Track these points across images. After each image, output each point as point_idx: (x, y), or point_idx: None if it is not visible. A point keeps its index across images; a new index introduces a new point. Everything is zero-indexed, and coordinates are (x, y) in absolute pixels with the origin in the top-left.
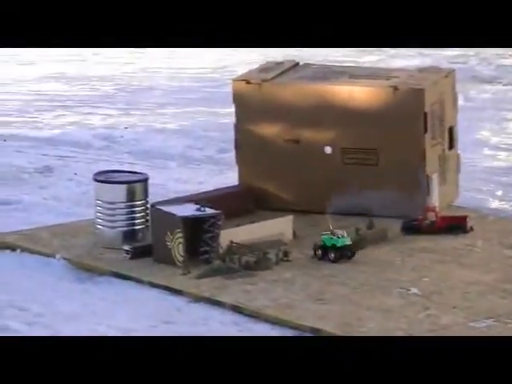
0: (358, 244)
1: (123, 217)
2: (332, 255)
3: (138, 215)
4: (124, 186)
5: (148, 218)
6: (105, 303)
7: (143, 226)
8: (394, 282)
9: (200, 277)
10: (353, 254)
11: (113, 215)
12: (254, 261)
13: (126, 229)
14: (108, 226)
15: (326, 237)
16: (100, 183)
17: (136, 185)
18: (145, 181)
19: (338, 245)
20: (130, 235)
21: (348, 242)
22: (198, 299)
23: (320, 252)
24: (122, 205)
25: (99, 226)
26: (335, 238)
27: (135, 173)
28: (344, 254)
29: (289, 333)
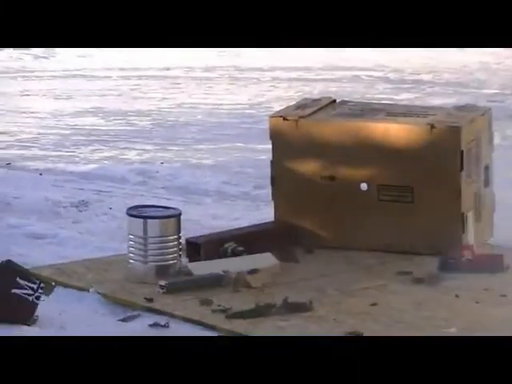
0: None
1: (155, 251)
2: None
3: (170, 250)
4: (156, 221)
5: (180, 253)
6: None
7: (175, 261)
8: (430, 319)
9: (231, 316)
10: None
11: (145, 250)
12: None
13: (157, 264)
14: (140, 261)
15: None
16: (132, 217)
17: (168, 220)
18: (177, 216)
19: None
20: (161, 270)
21: None
22: (230, 334)
23: None
24: (154, 239)
25: (131, 261)
26: None
27: (168, 208)
28: None
29: None
